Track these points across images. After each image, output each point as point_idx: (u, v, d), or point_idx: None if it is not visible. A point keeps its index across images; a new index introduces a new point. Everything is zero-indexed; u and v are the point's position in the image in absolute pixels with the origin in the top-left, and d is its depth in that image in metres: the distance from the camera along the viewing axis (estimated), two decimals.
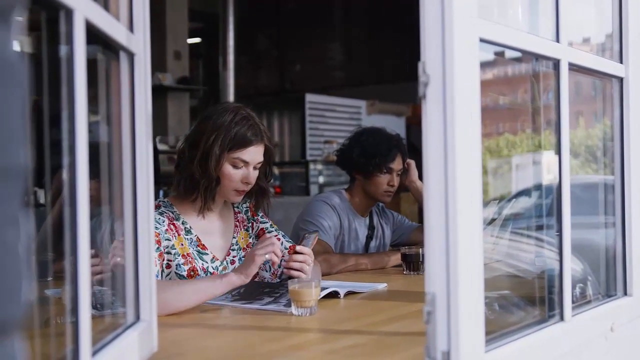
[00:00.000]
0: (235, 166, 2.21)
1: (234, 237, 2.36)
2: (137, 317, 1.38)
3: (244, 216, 2.43)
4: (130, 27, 1.36)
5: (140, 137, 1.38)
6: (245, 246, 2.38)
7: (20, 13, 0.57)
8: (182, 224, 2.24)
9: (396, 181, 3.03)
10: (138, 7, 1.38)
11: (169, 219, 2.20)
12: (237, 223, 2.39)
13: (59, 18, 1.01)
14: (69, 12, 1.00)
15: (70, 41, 1.01)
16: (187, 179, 2.22)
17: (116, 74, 1.35)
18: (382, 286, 2.37)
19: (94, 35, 1.12)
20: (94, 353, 1.09)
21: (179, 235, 2.20)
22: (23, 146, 0.54)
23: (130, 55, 1.35)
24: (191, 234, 2.24)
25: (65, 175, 1.01)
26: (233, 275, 1.99)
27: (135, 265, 1.38)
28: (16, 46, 0.56)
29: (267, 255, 1.99)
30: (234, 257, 2.34)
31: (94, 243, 1.07)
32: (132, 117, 1.37)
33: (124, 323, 1.35)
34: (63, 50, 1.02)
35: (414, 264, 2.65)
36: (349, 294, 2.20)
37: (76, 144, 1.01)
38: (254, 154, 2.23)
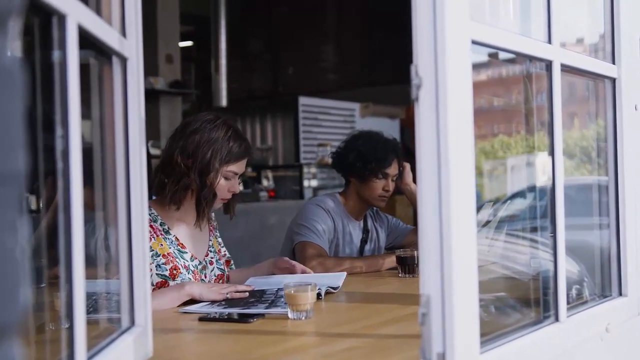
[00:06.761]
0: (226, 178, 2.32)
1: (210, 240, 2.47)
2: (132, 322, 1.38)
3: (214, 223, 2.54)
4: (123, 32, 1.35)
5: (133, 142, 1.37)
6: (217, 250, 2.49)
7: (17, 19, 0.57)
8: (160, 225, 2.31)
9: (391, 186, 3.02)
10: (130, 11, 1.38)
11: None
12: (211, 228, 2.51)
13: (51, 23, 1.00)
14: (62, 18, 1.00)
15: (63, 46, 1.00)
16: (181, 190, 2.28)
17: (109, 78, 1.34)
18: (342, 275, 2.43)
19: (86, 40, 1.11)
20: (89, 358, 1.09)
21: (157, 236, 2.28)
22: (21, 151, 0.55)
23: (123, 60, 1.35)
24: (170, 234, 2.32)
25: (59, 180, 1.01)
26: (188, 286, 2.12)
27: (130, 271, 1.37)
28: (13, 52, 0.56)
29: (228, 295, 2.14)
30: (211, 258, 2.45)
31: (87, 249, 1.06)
32: (125, 122, 1.36)
33: (119, 328, 1.35)
34: (56, 55, 1.01)
35: (409, 266, 2.65)
36: (329, 293, 2.23)
37: (69, 149, 1.01)
38: (243, 166, 2.37)
